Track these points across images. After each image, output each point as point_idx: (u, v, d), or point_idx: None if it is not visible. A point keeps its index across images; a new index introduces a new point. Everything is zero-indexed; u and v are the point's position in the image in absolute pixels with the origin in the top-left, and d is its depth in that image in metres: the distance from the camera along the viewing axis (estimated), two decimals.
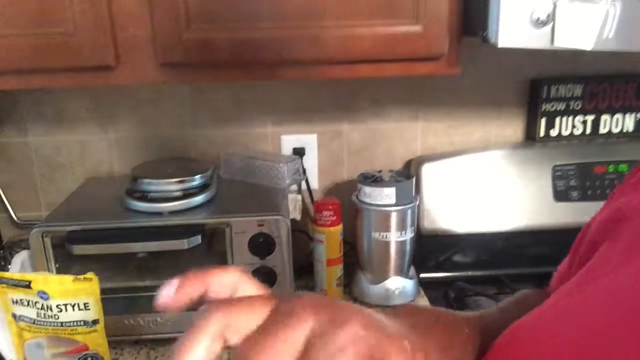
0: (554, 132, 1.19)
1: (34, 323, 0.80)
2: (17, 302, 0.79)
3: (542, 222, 1.13)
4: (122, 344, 0.93)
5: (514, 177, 1.13)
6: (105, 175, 1.18)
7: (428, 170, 1.13)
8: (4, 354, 0.84)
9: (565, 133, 1.20)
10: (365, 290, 1.06)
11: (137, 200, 0.92)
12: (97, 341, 0.81)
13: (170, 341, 0.93)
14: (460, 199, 1.13)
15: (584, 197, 1.12)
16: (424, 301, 1.06)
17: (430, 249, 1.16)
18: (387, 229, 1.02)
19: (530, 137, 1.21)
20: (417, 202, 1.04)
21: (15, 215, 1.17)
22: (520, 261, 1.16)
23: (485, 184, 1.13)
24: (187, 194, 0.94)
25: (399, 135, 1.20)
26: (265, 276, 0.90)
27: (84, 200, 1.03)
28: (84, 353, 0.82)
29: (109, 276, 0.91)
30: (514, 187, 1.13)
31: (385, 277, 1.05)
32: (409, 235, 1.04)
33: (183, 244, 0.86)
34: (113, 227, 0.88)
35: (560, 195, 1.12)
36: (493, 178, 1.13)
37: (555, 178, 1.13)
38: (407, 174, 1.06)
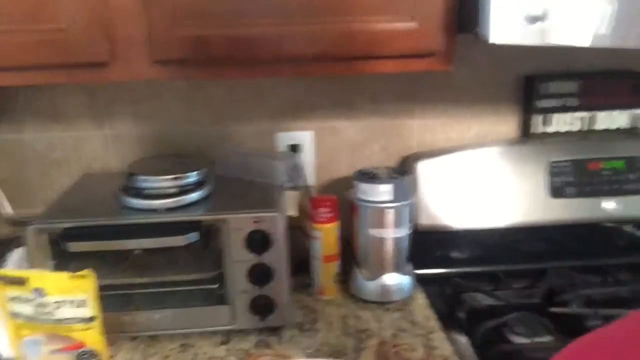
0: (549, 129, 1.20)
1: (30, 320, 0.80)
2: (13, 299, 0.79)
3: (538, 219, 1.13)
4: (119, 341, 0.93)
5: (510, 174, 1.13)
6: (101, 171, 1.17)
7: (424, 167, 1.13)
8: (1, 351, 0.84)
9: (561, 129, 1.20)
10: (361, 287, 1.07)
11: (133, 197, 0.92)
12: (93, 338, 0.81)
13: (167, 338, 0.94)
14: (456, 195, 1.13)
15: (579, 194, 1.12)
16: (420, 298, 1.07)
17: (426, 245, 1.16)
18: (383, 225, 1.02)
19: (526, 133, 1.21)
20: (414, 199, 1.04)
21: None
22: (516, 257, 1.17)
23: (481, 181, 1.13)
24: (183, 190, 0.94)
25: (395, 131, 1.20)
26: (262, 273, 0.90)
27: (80, 196, 1.02)
28: (81, 350, 0.82)
29: (105, 273, 0.91)
30: (510, 183, 1.13)
31: (381, 273, 1.05)
32: (405, 231, 1.04)
33: (181, 240, 0.86)
34: (109, 224, 0.88)
35: (556, 191, 1.13)
36: (489, 174, 1.13)
37: (551, 174, 1.13)
38: (404, 171, 1.06)
